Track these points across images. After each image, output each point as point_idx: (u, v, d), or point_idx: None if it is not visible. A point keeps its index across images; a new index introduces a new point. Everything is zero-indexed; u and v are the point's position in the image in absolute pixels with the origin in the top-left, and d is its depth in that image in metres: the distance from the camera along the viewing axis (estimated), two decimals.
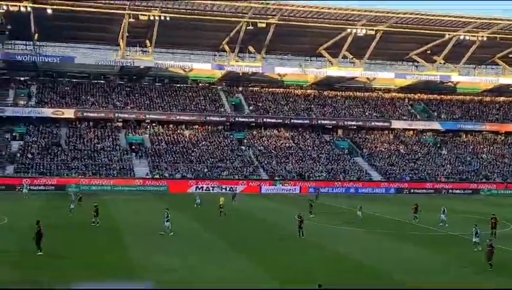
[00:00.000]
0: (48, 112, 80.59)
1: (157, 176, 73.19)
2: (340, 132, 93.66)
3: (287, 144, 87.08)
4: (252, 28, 79.60)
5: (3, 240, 34.42)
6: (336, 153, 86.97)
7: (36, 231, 30.05)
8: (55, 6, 72.72)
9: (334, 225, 44.69)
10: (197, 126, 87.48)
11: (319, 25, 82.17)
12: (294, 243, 35.77)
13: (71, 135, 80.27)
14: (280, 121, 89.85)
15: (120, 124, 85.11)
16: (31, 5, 71.65)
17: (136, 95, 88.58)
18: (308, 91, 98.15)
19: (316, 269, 28.82)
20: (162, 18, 75.84)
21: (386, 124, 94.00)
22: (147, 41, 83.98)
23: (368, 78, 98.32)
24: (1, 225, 40.41)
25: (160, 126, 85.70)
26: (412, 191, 78.84)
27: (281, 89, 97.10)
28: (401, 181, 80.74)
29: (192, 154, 79.67)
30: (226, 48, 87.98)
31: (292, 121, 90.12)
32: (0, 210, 47.48)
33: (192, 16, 78.16)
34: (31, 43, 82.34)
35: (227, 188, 71.72)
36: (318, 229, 41.43)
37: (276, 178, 76.87)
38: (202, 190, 70.35)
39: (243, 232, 40.57)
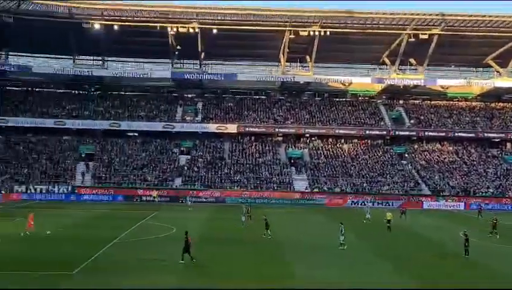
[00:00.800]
0: (212, 127, 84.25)
1: (316, 190, 73.63)
2: (508, 145, 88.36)
3: (451, 159, 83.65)
4: (414, 39, 77.88)
5: (167, 248, 35.81)
6: (504, 168, 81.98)
7: (184, 241, 31.36)
8: (220, 26, 76.31)
9: (508, 244, 41.87)
10: (356, 140, 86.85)
11: (485, 34, 78.43)
12: (457, 262, 33.92)
13: (234, 149, 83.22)
14: (443, 134, 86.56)
15: (280, 139, 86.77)
16: (198, 26, 75.84)
17: (296, 109, 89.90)
18: (474, 103, 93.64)
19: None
20: (322, 33, 76.64)
21: None
22: (307, 57, 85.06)
23: None
24: (169, 235, 42.53)
25: (320, 140, 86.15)
26: None
27: (443, 102, 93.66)
28: None
29: (351, 168, 79.15)
30: (386, 60, 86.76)
31: (456, 134, 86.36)
32: (169, 220, 50.22)
33: (353, 30, 78.12)
34: (198, 61, 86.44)
35: (383, 203, 70.42)
36: (487, 248, 39.12)
37: (445, 193, 73.98)
38: (358, 205, 69.68)
39: (405, 248, 39.22)
